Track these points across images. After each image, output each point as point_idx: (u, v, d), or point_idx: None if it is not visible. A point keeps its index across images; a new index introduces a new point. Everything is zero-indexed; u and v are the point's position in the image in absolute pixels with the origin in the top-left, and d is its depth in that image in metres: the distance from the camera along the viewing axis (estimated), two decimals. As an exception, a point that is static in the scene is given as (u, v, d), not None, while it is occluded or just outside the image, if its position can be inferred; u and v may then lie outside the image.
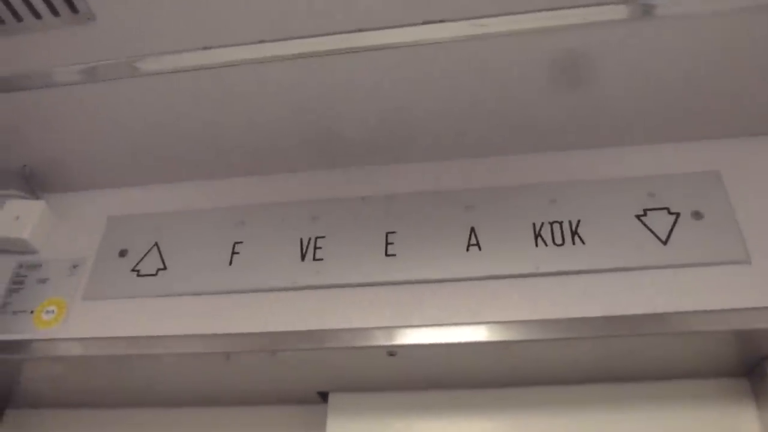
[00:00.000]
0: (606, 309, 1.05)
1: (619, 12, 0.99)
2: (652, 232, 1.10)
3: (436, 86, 1.12)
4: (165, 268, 1.24)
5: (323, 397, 1.27)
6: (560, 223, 1.14)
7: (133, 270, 1.25)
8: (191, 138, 1.26)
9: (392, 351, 1.09)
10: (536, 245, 1.12)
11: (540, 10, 0.99)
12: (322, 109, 1.18)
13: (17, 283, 1.28)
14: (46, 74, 1.15)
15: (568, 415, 1.17)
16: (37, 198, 1.36)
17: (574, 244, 1.11)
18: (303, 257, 1.19)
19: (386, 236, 1.18)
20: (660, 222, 1.11)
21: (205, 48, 1.08)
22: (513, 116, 1.17)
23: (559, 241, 1.12)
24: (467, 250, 1.14)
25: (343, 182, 1.28)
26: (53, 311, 1.22)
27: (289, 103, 1.17)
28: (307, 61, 1.08)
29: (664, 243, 1.09)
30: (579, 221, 1.13)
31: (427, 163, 1.27)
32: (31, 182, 1.36)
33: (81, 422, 1.38)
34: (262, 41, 1.06)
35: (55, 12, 1.04)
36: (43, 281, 1.27)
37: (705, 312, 1.02)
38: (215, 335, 1.14)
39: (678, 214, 1.11)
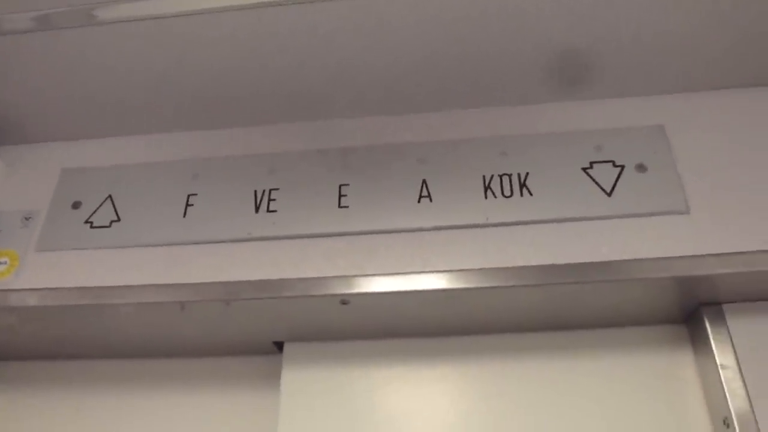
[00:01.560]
0: (553, 257, 1.09)
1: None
2: (598, 184, 1.14)
3: (390, 38, 1.14)
4: (119, 220, 1.24)
5: (279, 347, 1.29)
6: (509, 176, 1.17)
7: (86, 222, 1.25)
8: (146, 90, 1.26)
9: (345, 299, 1.11)
10: (486, 197, 1.15)
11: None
12: (278, 59, 1.18)
13: (-32, 234, 1.27)
14: (-3, 21, 1.14)
15: (515, 363, 1.20)
16: (-12, 150, 1.34)
17: (522, 195, 1.15)
18: (257, 209, 1.20)
19: (339, 188, 1.20)
20: (605, 174, 1.14)
21: (159, -4, 1.08)
22: (466, 70, 1.19)
23: (508, 192, 1.15)
24: (419, 201, 1.17)
25: (298, 136, 1.29)
26: (5, 262, 1.22)
27: (243, 53, 1.17)
28: (263, 10, 1.08)
29: (609, 194, 1.12)
30: (527, 174, 1.16)
31: (381, 117, 1.28)
32: (-18, 135, 1.35)
33: (36, 374, 1.38)
34: (216, -11, 1.06)
35: (6, -44, 1.02)
36: (-5, 233, 1.26)
37: (646, 260, 1.06)
38: (169, 285, 1.15)
39: (623, 167, 1.15)
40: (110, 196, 1.27)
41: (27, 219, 1.27)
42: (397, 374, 1.23)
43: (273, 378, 1.26)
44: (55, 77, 1.25)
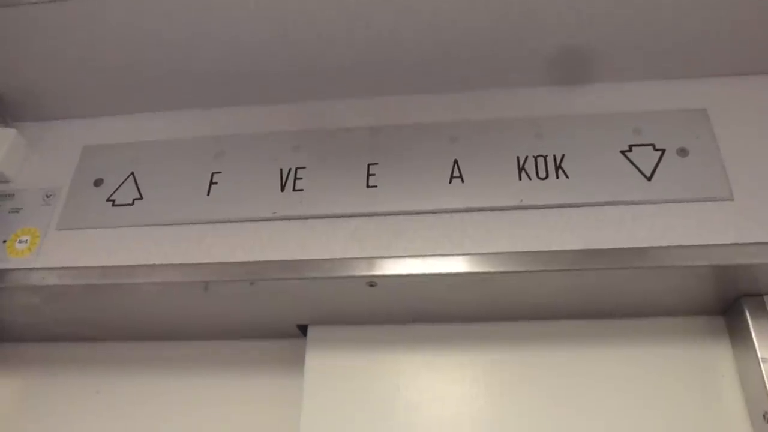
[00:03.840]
0: (588, 242, 1.05)
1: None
2: (637, 167, 1.10)
3: (422, 14, 1.09)
4: (141, 197, 1.21)
5: (303, 330, 1.26)
6: (545, 157, 1.13)
7: (108, 200, 1.22)
8: (169, 65, 1.23)
9: (372, 281, 1.08)
10: (520, 178, 1.11)
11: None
12: (305, 35, 1.14)
13: (-11, 212, 1.25)
14: (14, -9, 1.11)
15: (544, 350, 1.17)
16: (8, 127, 1.31)
17: (557, 178, 1.11)
18: (283, 187, 1.17)
19: (368, 167, 1.17)
20: (645, 158, 1.10)
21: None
22: (500, 47, 1.15)
23: (543, 174, 1.11)
24: (450, 182, 1.13)
25: (326, 113, 1.25)
26: (26, 241, 1.20)
27: (270, 28, 1.14)
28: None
29: (649, 179, 1.08)
30: (564, 155, 1.12)
31: (411, 96, 1.24)
32: (2, 111, 1.31)
33: (57, 356, 1.37)
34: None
35: (23, -75, 0.99)
36: (16, 211, 1.24)
37: (686, 247, 1.02)
38: (193, 264, 1.12)
39: (663, 151, 1.10)
40: (132, 174, 1.24)
41: (48, 197, 1.25)
42: (424, 360, 1.20)
43: (297, 362, 1.23)
44: (74, 52, 1.22)
